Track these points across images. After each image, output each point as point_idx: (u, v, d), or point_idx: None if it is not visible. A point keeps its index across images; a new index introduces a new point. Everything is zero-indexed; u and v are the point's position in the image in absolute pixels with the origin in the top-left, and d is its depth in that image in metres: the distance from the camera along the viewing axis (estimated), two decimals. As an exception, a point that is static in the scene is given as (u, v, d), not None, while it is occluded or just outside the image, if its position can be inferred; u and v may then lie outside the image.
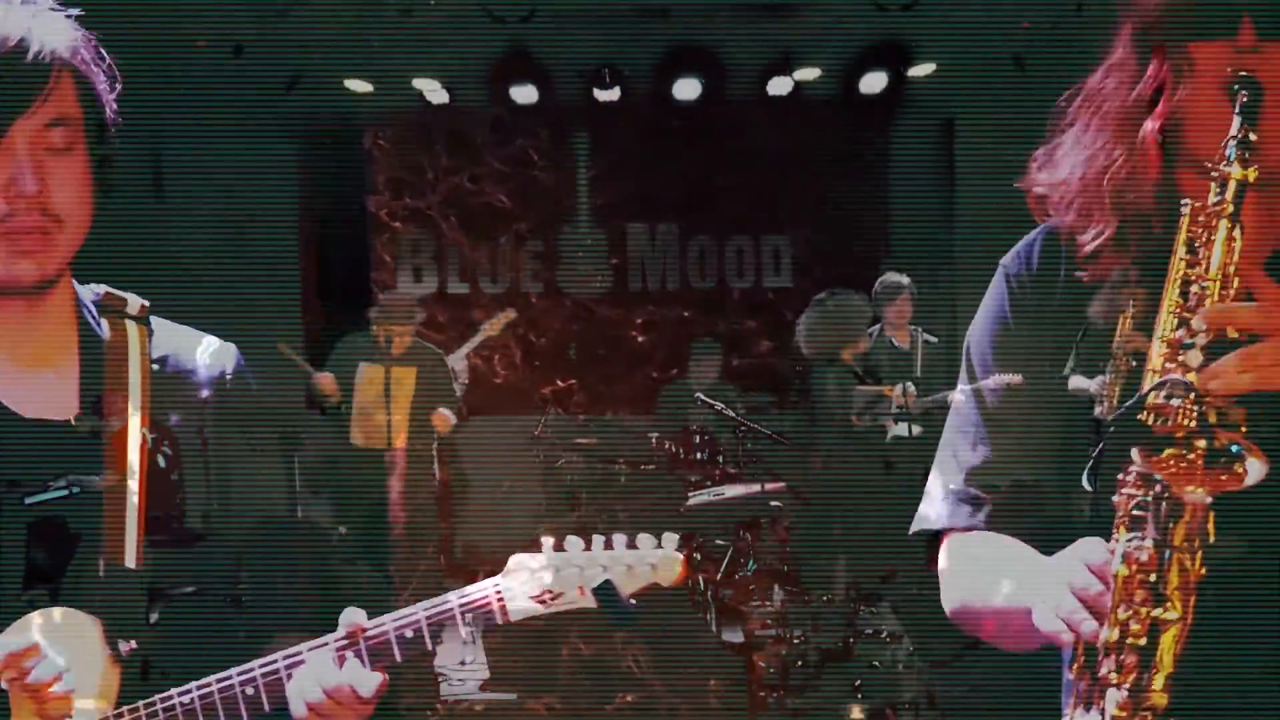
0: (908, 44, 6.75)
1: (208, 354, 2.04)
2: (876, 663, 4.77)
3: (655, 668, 5.35)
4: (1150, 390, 1.38)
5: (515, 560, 1.78)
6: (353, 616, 1.77)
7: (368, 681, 1.72)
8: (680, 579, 1.76)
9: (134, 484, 1.90)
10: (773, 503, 5.63)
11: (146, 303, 1.97)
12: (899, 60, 6.84)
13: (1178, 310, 1.42)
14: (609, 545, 1.76)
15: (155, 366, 1.96)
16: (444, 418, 6.30)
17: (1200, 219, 1.43)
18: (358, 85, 6.95)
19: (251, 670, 1.77)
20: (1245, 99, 1.41)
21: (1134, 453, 1.39)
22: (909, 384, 5.15)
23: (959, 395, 1.76)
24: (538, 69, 7.03)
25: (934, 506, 1.76)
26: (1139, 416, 1.39)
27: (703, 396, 6.06)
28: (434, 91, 7.06)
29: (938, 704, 4.68)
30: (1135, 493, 1.39)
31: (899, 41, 6.72)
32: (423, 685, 5.27)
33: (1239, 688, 1.47)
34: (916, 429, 5.19)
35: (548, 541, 1.77)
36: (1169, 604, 1.36)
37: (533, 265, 8.03)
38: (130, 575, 1.92)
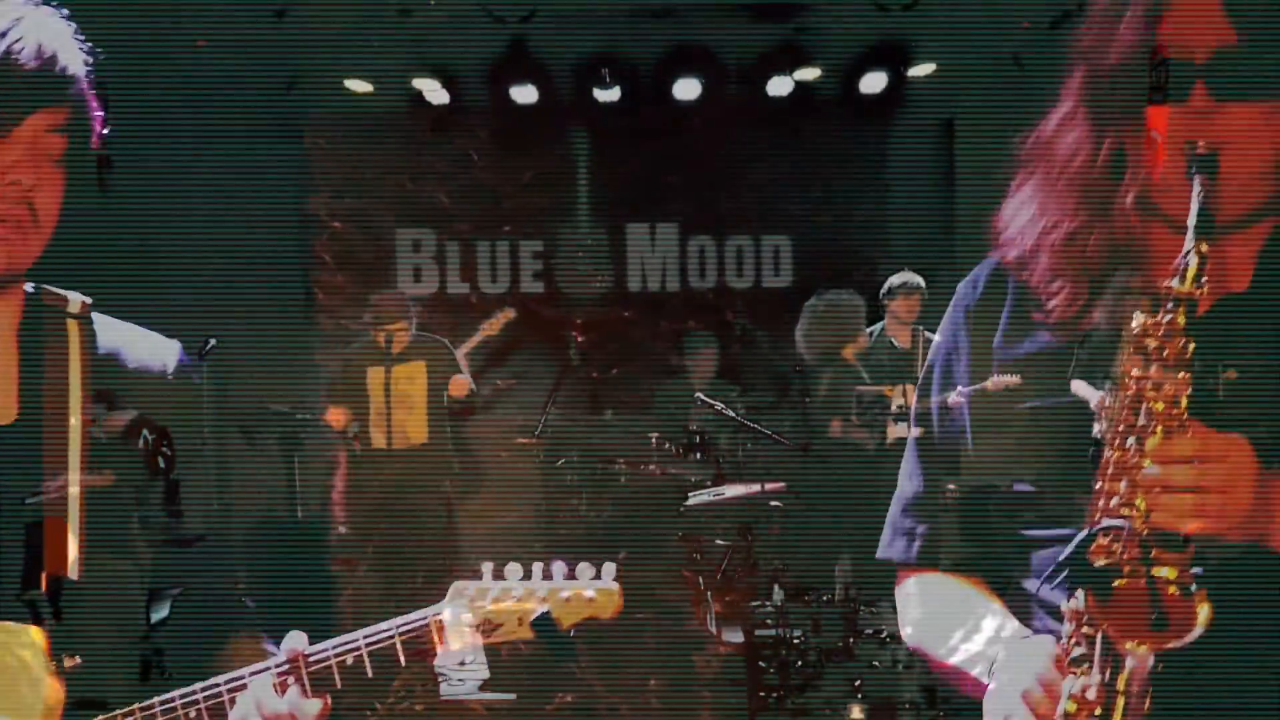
0: (908, 44, 6.74)
1: (151, 350, 2.03)
2: (876, 663, 4.77)
3: (655, 668, 5.35)
4: (1096, 531, 1.40)
5: (454, 588, 1.77)
6: (293, 642, 1.75)
7: (308, 709, 1.69)
8: (618, 610, 1.76)
9: (75, 489, 1.89)
10: (773, 503, 5.63)
11: (88, 300, 1.97)
12: (899, 60, 6.84)
13: (1130, 425, 1.43)
14: (548, 574, 1.75)
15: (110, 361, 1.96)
16: (462, 382, 6.27)
17: (1151, 333, 1.44)
18: (358, 85, 6.95)
19: (194, 693, 1.73)
20: (1202, 198, 1.42)
21: (1080, 594, 1.40)
22: (908, 385, 5.16)
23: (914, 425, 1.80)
24: (538, 69, 7.03)
25: (884, 537, 1.81)
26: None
27: (703, 396, 6.06)
28: (434, 91, 7.05)
29: (938, 703, 4.68)
30: (1083, 628, 1.41)
31: (899, 41, 6.72)
32: (422, 685, 5.27)
33: None
34: (916, 430, 5.16)
35: (487, 568, 1.76)
36: None
37: (532, 265, 8.03)
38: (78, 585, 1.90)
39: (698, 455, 6.19)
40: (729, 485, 5.68)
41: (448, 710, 5.29)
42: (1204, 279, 1.41)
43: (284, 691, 1.70)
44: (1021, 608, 1.63)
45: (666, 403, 7.09)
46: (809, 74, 7.04)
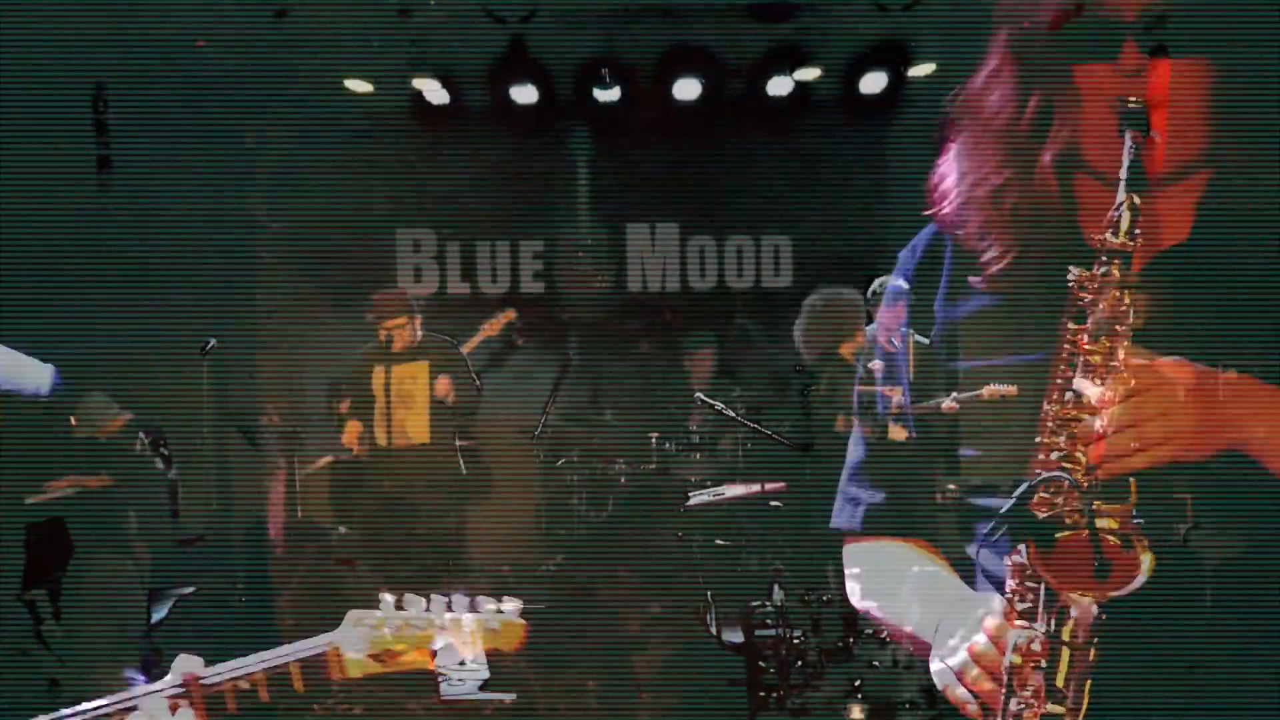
0: (908, 44, 6.75)
1: (22, 372, 2.03)
2: (876, 663, 4.77)
3: (654, 668, 5.36)
4: (1037, 484, 1.40)
5: (352, 615, 1.76)
6: (187, 665, 1.74)
7: None
8: (521, 644, 1.75)
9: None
10: (773, 503, 5.63)
11: None
12: (899, 60, 6.84)
13: (1063, 379, 1.43)
14: (450, 606, 1.73)
15: None
16: (446, 385, 6.24)
17: (1086, 286, 1.44)
18: (358, 85, 6.95)
19: (81, 713, 1.72)
20: (1132, 153, 1.43)
21: (1023, 549, 1.40)
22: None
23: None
24: (538, 69, 7.03)
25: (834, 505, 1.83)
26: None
27: (703, 397, 6.06)
28: (434, 91, 7.05)
29: (938, 703, 4.68)
30: (1025, 583, 1.41)
31: (899, 41, 6.72)
32: (423, 685, 5.27)
33: None
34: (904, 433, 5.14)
35: (388, 599, 1.75)
36: (1060, 695, 1.37)
37: (532, 266, 8.03)
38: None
39: (698, 455, 6.20)
40: (729, 485, 5.69)
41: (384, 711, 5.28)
42: (1137, 231, 1.41)
43: (175, 712, 1.68)
44: (967, 574, 1.64)
45: (666, 403, 7.09)
46: (809, 74, 7.04)
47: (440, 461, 6.28)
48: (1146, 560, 1.36)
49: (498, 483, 7.39)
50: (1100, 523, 1.37)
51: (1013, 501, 1.40)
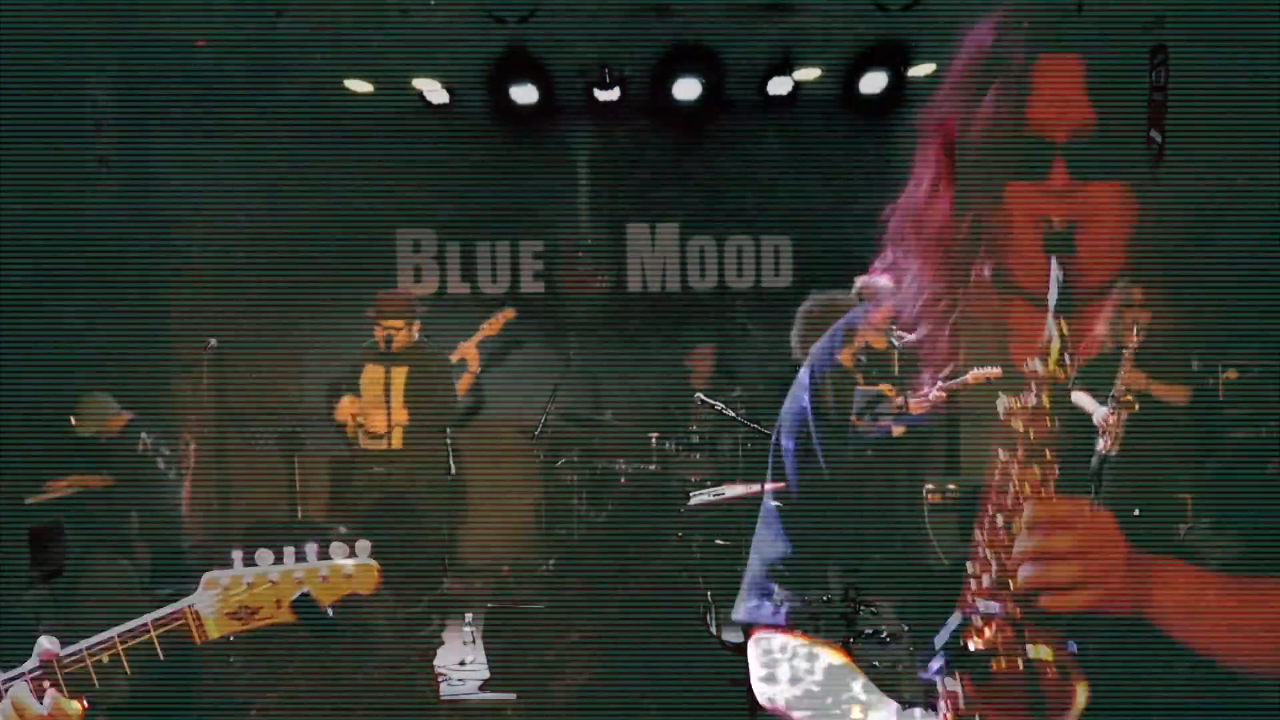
0: (908, 44, 6.74)
1: None
2: (876, 663, 4.77)
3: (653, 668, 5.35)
4: (964, 621, 1.40)
5: (207, 577, 1.75)
6: (46, 644, 1.73)
7: (69, 709, 1.67)
8: (377, 586, 1.75)
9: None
10: (773, 503, 5.61)
11: None
12: (899, 60, 6.84)
13: (999, 507, 1.43)
14: (300, 556, 1.73)
15: None
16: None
17: (1017, 416, 1.44)
18: (358, 85, 6.95)
19: None
20: (1060, 279, 1.43)
21: (958, 683, 1.40)
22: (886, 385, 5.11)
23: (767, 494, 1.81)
24: (538, 69, 7.03)
25: (741, 599, 1.81)
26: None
27: (703, 396, 6.05)
28: (434, 91, 7.05)
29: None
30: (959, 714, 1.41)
31: (899, 41, 6.72)
32: (423, 685, 5.27)
33: None
34: (898, 429, 5.13)
35: (237, 556, 1.75)
36: None
37: (533, 266, 8.04)
38: None
39: (698, 455, 6.20)
40: (729, 485, 5.68)
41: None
42: (1067, 359, 1.41)
43: (41, 695, 1.66)
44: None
45: (666, 402, 7.09)
46: (809, 74, 7.04)
47: (430, 462, 6.25)
48: (1081, 692, 1.35)
49: (497, 483, 7.39)
50: (1035, 654, 1.37)
51: (948, 634, 1.40)
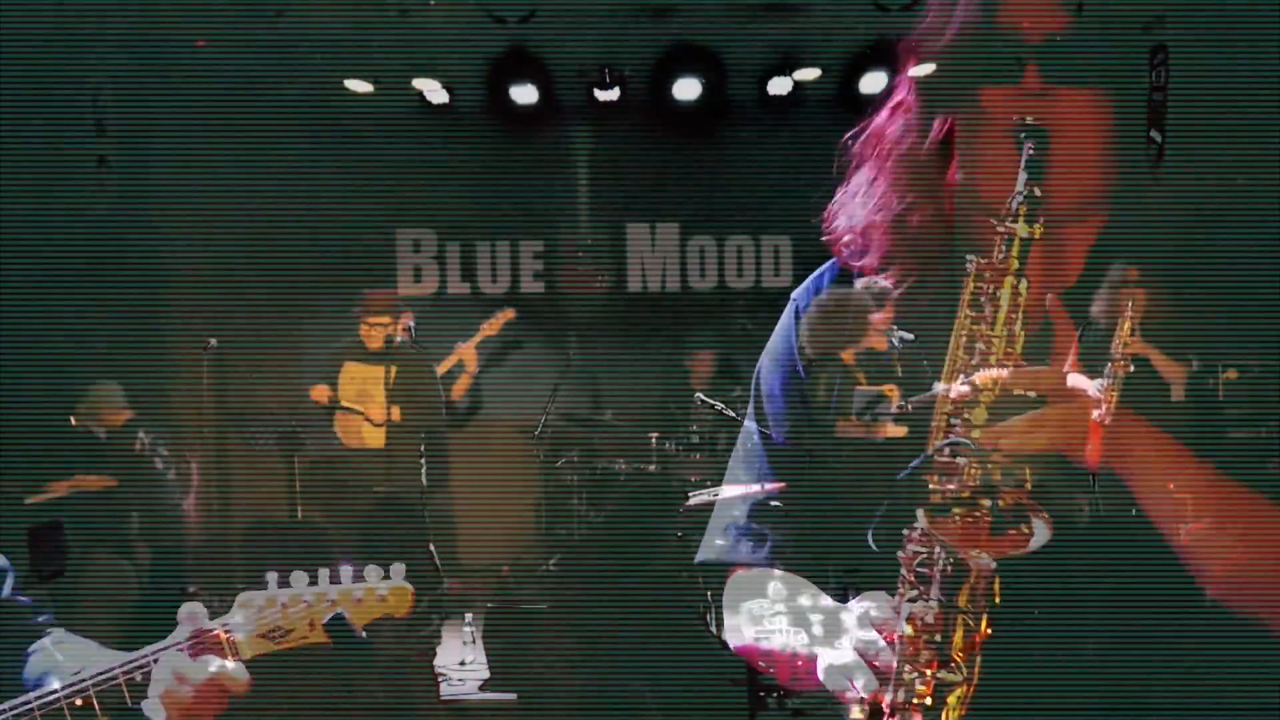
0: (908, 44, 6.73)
1: None
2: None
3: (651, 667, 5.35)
4: (936, 450, 1.40)
5: (242, 597, 1.76)
6: (194, 612, 1.74)
7: (237, 674, 1.71)
8: (410, 609, 1.75)
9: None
10: (773, 503, 5.61)
11: None
12: (899, 60, 6.83)
13: (964, 366, 1.43)
14: (335, 578, 1.74)
15: None
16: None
17: (986, 275, 1.44)
18: (358, 85, 6.95)
19: (80, 682, 1.72)
20: (1031, 151, 1.42)
21: (919, 513, 1.40)
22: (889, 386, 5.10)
23: (746, 426, 1.81)
24: (538, 69, 7.03)
25: (717, 538, 1.81)
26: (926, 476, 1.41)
27: (703, 396, 6.05)
28: (434, 91, 7.05)
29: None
30: (920, 550, 1.40)
31: (899, 41, 6.70)
32: (423, 685, 5.27)
33: None
34: (900, 430, 5.12)
35: (272, 577, 1.75)
36: (953, 665, 1.36)
37: (533, 265, 8.03)
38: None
39: (698, 456, 6.19)
40: (728, 485, 5.68)
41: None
42: (1037, 219, 1.41)
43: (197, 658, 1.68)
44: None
45: (666, 402, 7.08)
46: (809, 74, 7.04)
47: (397, 464, 6.23)
48: (1041, 524, 1.35)
49: (497, 483, 7.38)
50: (997, 479, 1.37)
51: (912, 467, 1.40)
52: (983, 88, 1.50)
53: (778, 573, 1.70)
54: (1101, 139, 1.48)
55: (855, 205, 1.64)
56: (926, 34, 1.57)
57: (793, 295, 1.77)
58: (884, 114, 1.64)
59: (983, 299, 1.43)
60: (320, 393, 6.14)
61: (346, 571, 1.75)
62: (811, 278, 1.75)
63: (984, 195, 1.53)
